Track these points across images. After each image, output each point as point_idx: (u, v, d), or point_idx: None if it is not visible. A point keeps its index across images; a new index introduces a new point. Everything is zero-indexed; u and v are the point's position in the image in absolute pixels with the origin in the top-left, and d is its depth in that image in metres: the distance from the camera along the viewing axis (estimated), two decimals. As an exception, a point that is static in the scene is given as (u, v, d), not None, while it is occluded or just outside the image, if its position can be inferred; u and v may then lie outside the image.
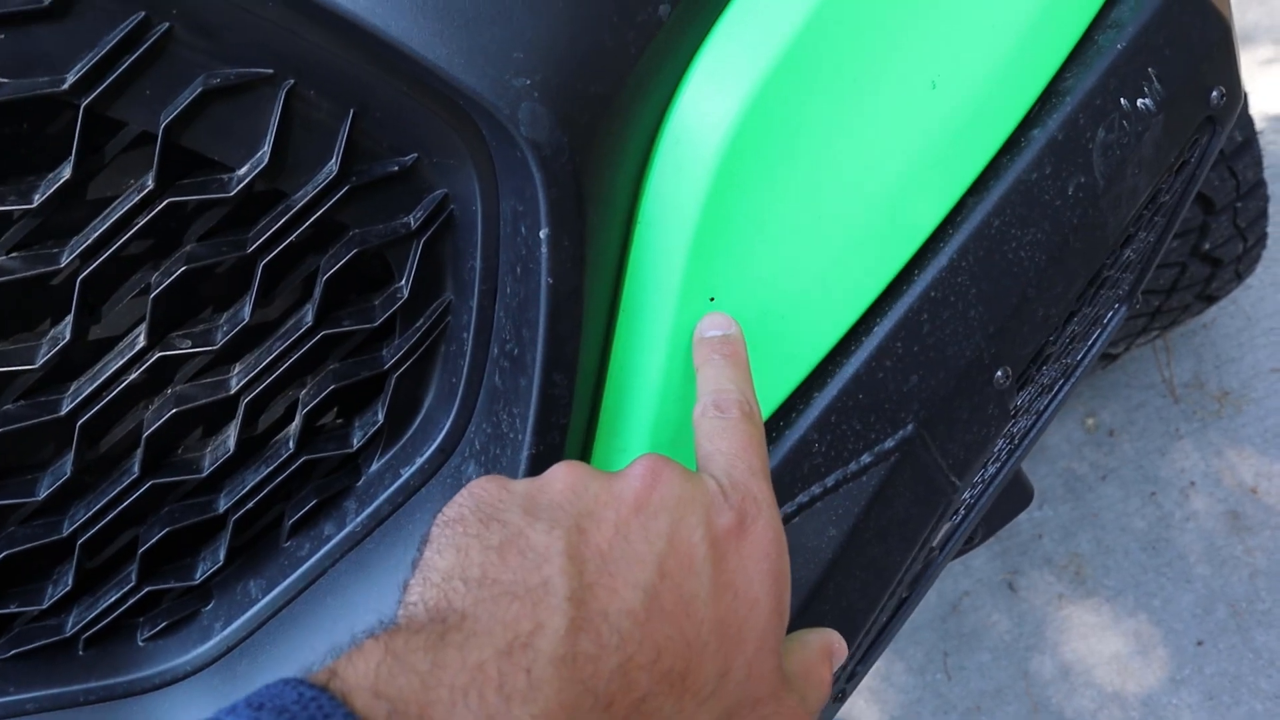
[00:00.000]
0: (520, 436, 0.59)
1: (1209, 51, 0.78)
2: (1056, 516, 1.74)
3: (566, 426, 0.59)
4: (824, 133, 0.63)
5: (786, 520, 0.68)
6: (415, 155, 0.58)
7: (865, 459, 0.69)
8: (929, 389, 0.70)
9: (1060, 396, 0.86)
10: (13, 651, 0.63)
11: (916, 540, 0.73)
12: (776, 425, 0.68)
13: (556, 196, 0.53)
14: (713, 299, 0.62)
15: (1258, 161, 1.35)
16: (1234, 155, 1.30)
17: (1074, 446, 1.77)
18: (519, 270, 0.57)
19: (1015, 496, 0.95)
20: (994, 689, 1.62)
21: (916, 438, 0.70)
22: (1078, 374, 0.87)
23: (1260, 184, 1.37)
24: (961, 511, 0.86)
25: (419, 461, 0.64)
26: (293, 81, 0.54)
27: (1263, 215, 1.42)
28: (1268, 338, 1.73)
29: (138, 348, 0.55)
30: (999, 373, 0.72)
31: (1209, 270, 1.42)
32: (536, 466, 0.59)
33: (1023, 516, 1.82)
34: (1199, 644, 1.55)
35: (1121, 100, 0.74)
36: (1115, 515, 1.70)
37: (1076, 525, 1.72)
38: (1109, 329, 0.88)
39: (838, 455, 0.68)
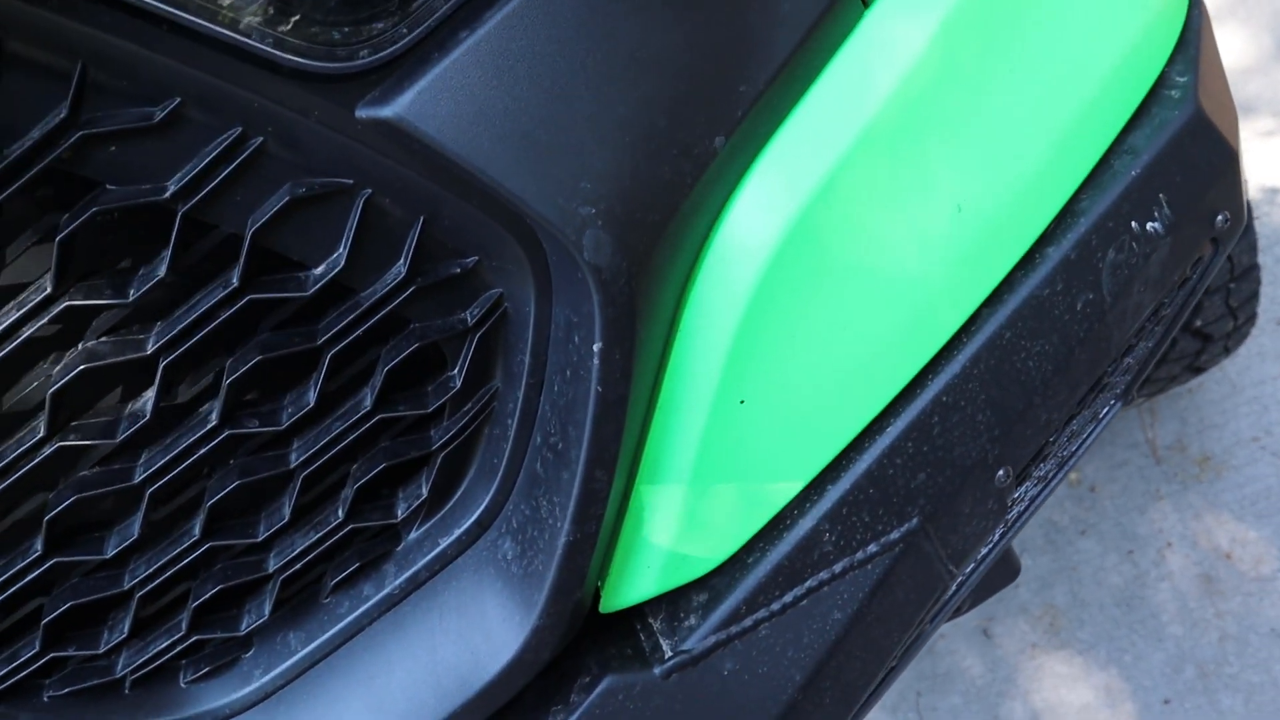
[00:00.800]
0: (559, 524, 0.63)
1: (1216, 178, 0.82)
2: (1035, 567, 1.79)
3: (603, 517, 0.64)
4: (854, 255, 0.67)
5: (795, 603, 0.73)
6: (476, 258, 0.62)
7: (872, 549, 0.74)
8: (935, 486, 0.74)
9: (1053, 486, 0.91)
10: (66, 689, 0.67)
11: (913, 622, 0.78)
12: (791, 514, 0.72)
13: (613, 316, 0.58)
14: (743, 401, 0.67)
15: (1253, 246, 1.40)
16: (1231, 239, 1.35)
17: (1056, 499, 1.83)
18: (568, 374, 0.62)
19: (1002, 572, 1.00)
20: (964, 730, 1.67)
21: (920, 530, 0.75)
22: (1071, 464, 0.92)
23: (1254, 267, 1.43)
24: (954, 588, 0.90)
25: (457, 533, 0.68)
26: (370, 191, 0.58)
27: (1254, 296, 1.47)
28: (1250, 406, 1.79)
29: (209, 425, 0.59)
30: (1000, 472, 0.77)
31: (1199, 345, 1.47)
32: (572, 553, 0.64)
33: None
34: (1166, 702, 1.61)
35: (1133, 223, 0.79)
36: (1092, 570, 1.75)
37: (1054, 577, 1.77)
38: (1104, 423, 0.93)
39: (846, 544, 0.73)
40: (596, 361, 0.59)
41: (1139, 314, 0.81)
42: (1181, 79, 0.84)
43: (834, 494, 0.72)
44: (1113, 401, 0.95)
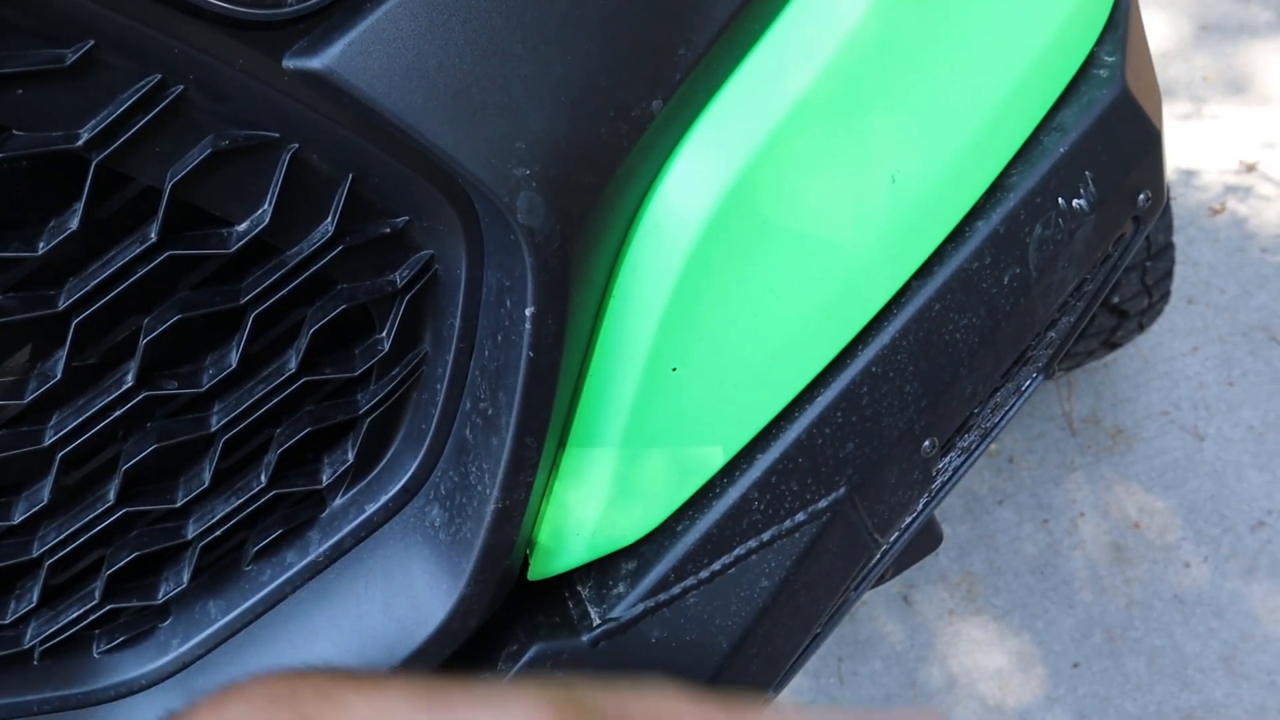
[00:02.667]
0: (488, 491, 0.63)
1: (1140, 158, 0.84)
2: (954, 535, 1.83)
3: (532, 484, 0.63)
4: (789, 223, 0.67)
5: (723, 571, 0.73)
6: (407, 218, 0.60)
7: (800, 517, 0.74)
8: (862, 456, 0.75)
9: (975, 456, 0.93)
10: (-30, 660, 0.64)
11: (839, 590, 0.79)
12: (721, 483, 0.73)
13: (545, 279, 0.57)
14: (675, 369, 0.67)
15: (1169, 225, 1.44)
16: (1148, 219, 1.39)
17: (976, 470, 1.87)
18: (499, 338, 0.61)
19: (925, 540, 1.02)
20: (883, 695, 1.71)
21: (847, 499, 0.75)
22: (994, 435, 0.94)
23: (1169, 246, 1.47)
24: (878, 556, 0.92)
25: (383, 499, 0.67)
26: (297, 145, 0.56)
27: (1168, 274, 1.51)
28: (1161, 381, 1.85)
29: (125, 387, 0.57)
30: (926, 442, 0.78)
31: (1115, 321, 1.51)
32: (501, 520, 0.63)
33: (923, 532, 1.90)
34: (1075, 666, 1.66)
35: (1059, 199, 0.80)
36: (1009, 539, 1.80)
37: (972, 545, 1.81)
38: (1025, 395, 0.95)
39: (775, 513, 0.73)
40: (529, 326, 0.58)
41: (1063, 289, 0.83)
42: (1110, 59, 0.85)
43: (764, 462, 0.72)
44: (1035, 374, 0.97)
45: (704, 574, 0.72)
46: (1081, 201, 0.82)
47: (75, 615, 0.65)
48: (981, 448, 0.95)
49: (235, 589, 0.68)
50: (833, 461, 0.74)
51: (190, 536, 0.64)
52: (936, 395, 0.78)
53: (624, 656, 0.71)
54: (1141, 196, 0.86)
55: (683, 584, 0.72)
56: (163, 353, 0.58)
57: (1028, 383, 0.96)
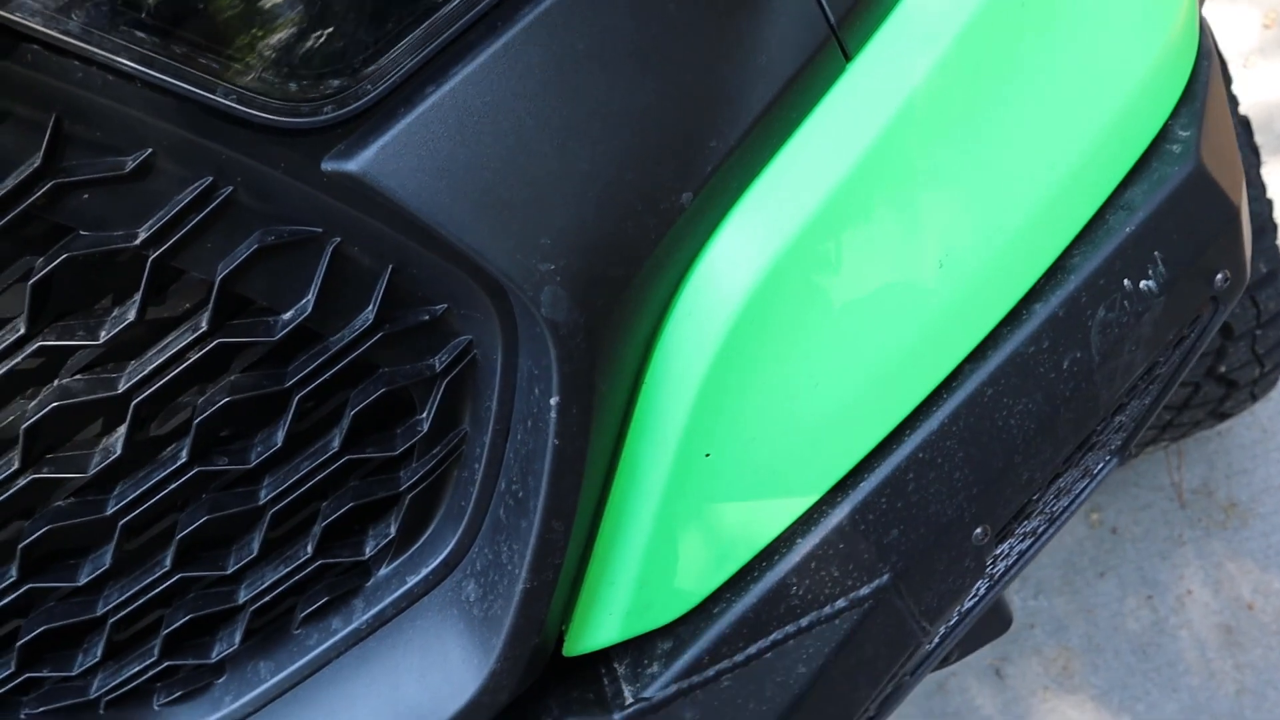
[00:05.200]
0: (517, 571, 0.64)
1: (1216, 236, 0.81)
2: (1051, 608, 1.76)
3: (560, 566, 0.64)
4: (827, 311, 0.67)
5: (759, 655, 0.72)
6: (445, 306, 0.63)
7: (840, 604, 0.73)
8: (908, 543, 0.74)
9: (1043, 541, 0.90)
10: (41, 709, 0.69)
11: (883, 678, 0.78)
12: (759, 566, 0.72)
13: (569, 371, 0.58)
14: (708, 455, 0.67)
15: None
16: (1257, 286, 1.33)
17: (1076, 540, 1.80)
18: (529, 424, 0.62)
19: (993, 623, 0.99)
20: (972, 771, 1.65)
21: (891, 587, 0.74)
22: (1063, 520, 0.91)
23: (1282, 314, 1.39)
24: (937, 639, 0.90)
25: (424, 572, 0.69)
26: (339, 239, 0.59)
27: (1282, 344, 1.44)
28: (1281, 453, 1.74)
29: (180, 462, 0.61)
30: (979, 530, 0.76)
31: (1223, 391, 1.44)
32: (529, 600, 0.64)
33: (1018, 603, 1.85)
34: (1177, 754, 1.57)
35: (1125, 281, 0.78)
36: (1110, 614, 1.72)
37: (1070, 619, 1.74)
38: (1098, 480, 0.91)
39: (814, 599, 0.73)
40: (554, 415, 0.59)
41: (1130, 373, 0.80)
42: (1184, 133, 0.82)
43: (803, 548, 0.72)
44: (1108, 458, 0.94)
45: (739, 657, 0.72)
46: (1150, 283, 0.79)
47: (136, 670, 0.69)
48: (1050, 533, 0.92)
49: (284, 652, 0.71)
50: (876, 548, 0.73)
51: (241, 601, 0.68)
52: (989, 483, 0.76)
53: (656, 737, 0.71)
54: (1219, 276, 0.82)
55: (717, 667, 0.72)
56: (216, 430, 0.62)
57: (1100, 466, 0.93)
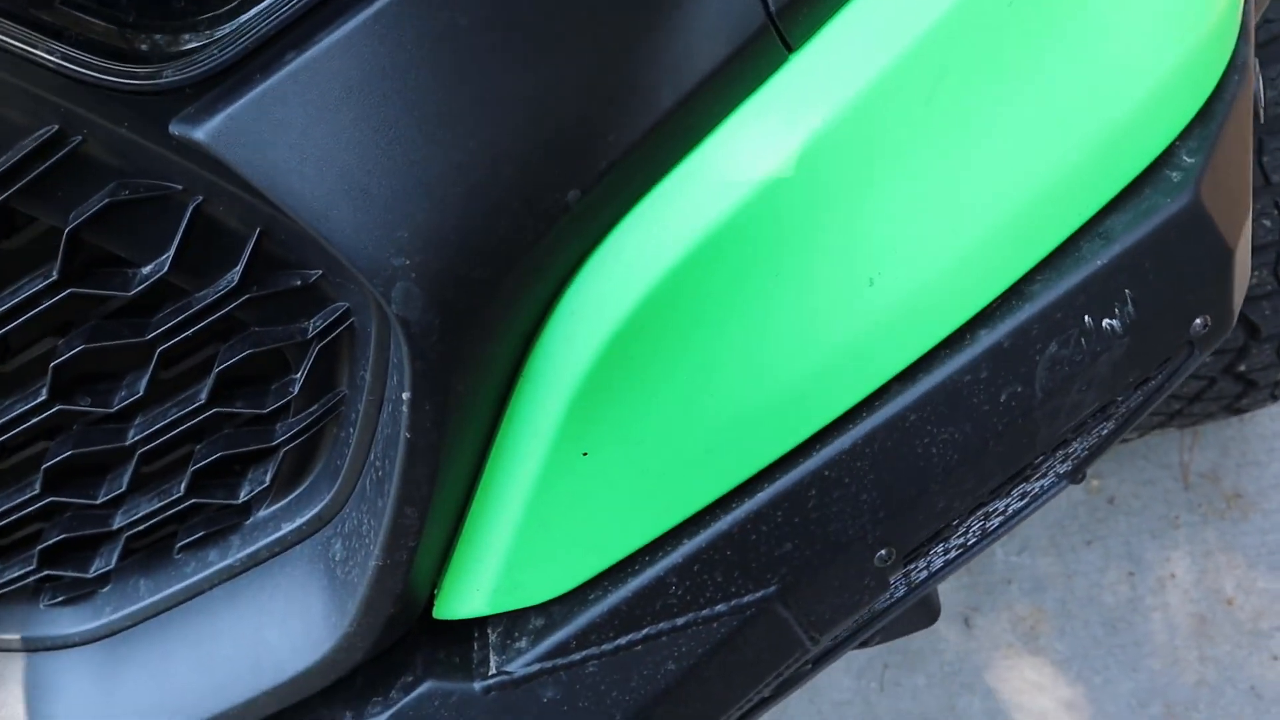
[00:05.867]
0: (372, 546, 0.63)
1: (1200, 280, 0.73)
2: (1032, 567, 1.73)
3: (415, 548, 0.63)
4: (732, 321, 0.63)
5: (629, 647, 0.72)
6: (319, 272, 0.60)
7: (720, 608, 0.71)
8: (801, 558, 0.71)
9: (973, 554, 0.87)
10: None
11: (763, 680, 0.77)
12: (640, 560, 0.70)
13: (421, 369, 0.55)
14: (586, 454, 0.64)
15: (1324, 295, 1.26)
16: (1296, 288, 1.23)
17: (1070, 504, 1.75)
18: (390, 409, 0.60)
19: (918, 615, 0.97)
20: (919, 712, 1.67)
21: (777, 597, 0.72)
22: (997, 535, 0.87)
23: (1321, 318, 1.29)
24: (821, 648, 0.87)
25: (298, 522, 0.69)
26: (201, 198, 0.56)
27: (1317, 347, 1.34)
28: (1305, 449, 1.66)
29: (39, 399, 0.60)
30: (883, 551, 0.73)
31: (1241, 389, 1.36)
32: (381, 575, 0.64)
33: (1000, 556, 1.83)
34: (1124, 733, 1.56)
35: (1085, 318, 0.71)
36: (1088, 583, 1.69)
37: (1049, 581, 1.72)
38: (1043, 499, 0.87)
39: (694, 600, 0.71)
40: (405, 410, 0.57)
41: (1077, 412, 0.74)
42: (1189, 159, 0.73)
43: (686, 549, 0.69)
44: (1057, 480, 0.89)
45: (608, 646, 0.71)
46: (1114, 322, 0.72)
47: (17, 574, 0.70)
48: (979, 547, 0.89)
49: (163, 574, 0.72)
50: (766, 559, 0.71)
51: (116, 526, 0.68)
52: (899, 507, 0.72)
53: (513, 710, 0.71)
54: (1198, 322, 0.75)
55: (585, 651, 0.71)
56: (75, 371, 0.61)
57: (1049, 486, 0.88)
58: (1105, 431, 0.82)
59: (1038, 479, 0.84)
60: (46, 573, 0.71)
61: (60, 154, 0.52)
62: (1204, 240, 0.73)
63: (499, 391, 0.61)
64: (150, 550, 0.72)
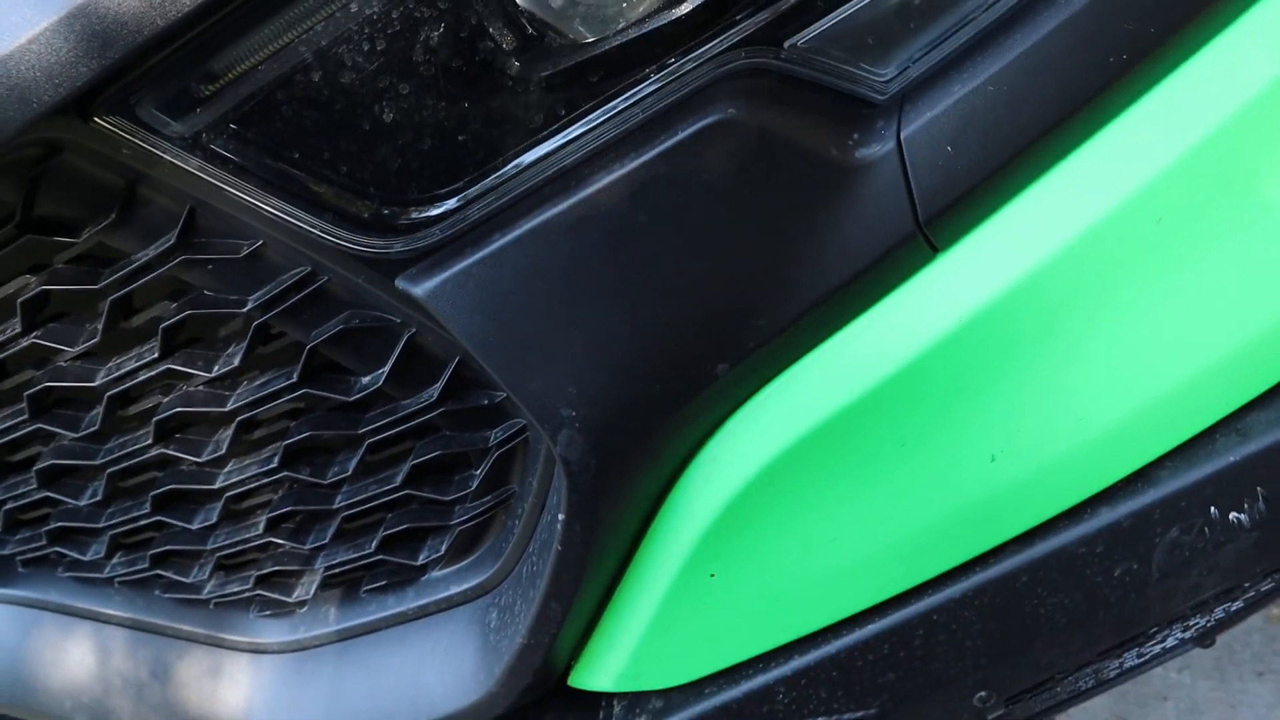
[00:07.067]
0: (520, 625, 0.74)
1: (1346, 483, 0.73)
2: (1192, 688, 1.68)
3: (556, 635, 0.73)
4: (856, 484, 0.69)
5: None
6: (505, 394, 0.70)
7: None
8: (903, 689, 0.77)
9: (1088, 695, 0.89)
10: (170, 595, 0.87)
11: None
12: (755, 666, 0.78)
13: (575, 499, 0.65)
14: (713, 575, 0.72)
15: None
16: None
17: (1246, 629, 1.69)
18: (549, 519, 0.70)
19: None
20: (1044, 806, 1.66)
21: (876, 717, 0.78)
22: (1114, 683, 0.89)
23: None
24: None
25: (464, 586, 0.80)
26: (414, 330, 0.67)
27: None
28: None
29: (269, 466, 0.74)
30: (982, 693, 0.78)
31: None
32: (524, 652, 0.74)
33: (1160, 671, 1.78)
34: None
35: (1212, 509, 0.73)
36: (1253, 716, 1.64)
37: (1208, 707, 1.66)
38: (1166, 659, 0.88)
39: (798, 711, 0.78)
40: (559, 527, 0.67)
41: (1197, 593, 0.76)
42: (1350, 363, 0.74)
43: (795, 665, 0.76)
44: (1181, 637, 0.90)
45: (716, 737, 0.79)
46: (1241, 516, 0.74)
47: (236, 590, 0.85)
48: (1094, 691, 0.91)
49: (350, 608, 0.85)
50: (868, 684, 0.77)
51: (318, 566, 0.82)
52: (1002, 657, 0.76)
53: (625, 777, 0.81)
54: (1339, 522, 0.75)
55: (694, 737, 0.79)
56: (303, 447, 0.74)
57: (1172, 648, 0.89)
58: (1234, 609, 0.83)
59: (1157, 643, 0.86)
60: (259, 592, 0.85)
61: (310, 289, 0.65)
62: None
63: (643, 516, 0.70)
64: (342, 590, 0.86)
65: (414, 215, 0.61)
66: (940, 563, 0.74)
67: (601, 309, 0.62)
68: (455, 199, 0.60)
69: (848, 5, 0.62)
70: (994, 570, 0.74)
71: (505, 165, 0.61)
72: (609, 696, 0.84)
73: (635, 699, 0.82)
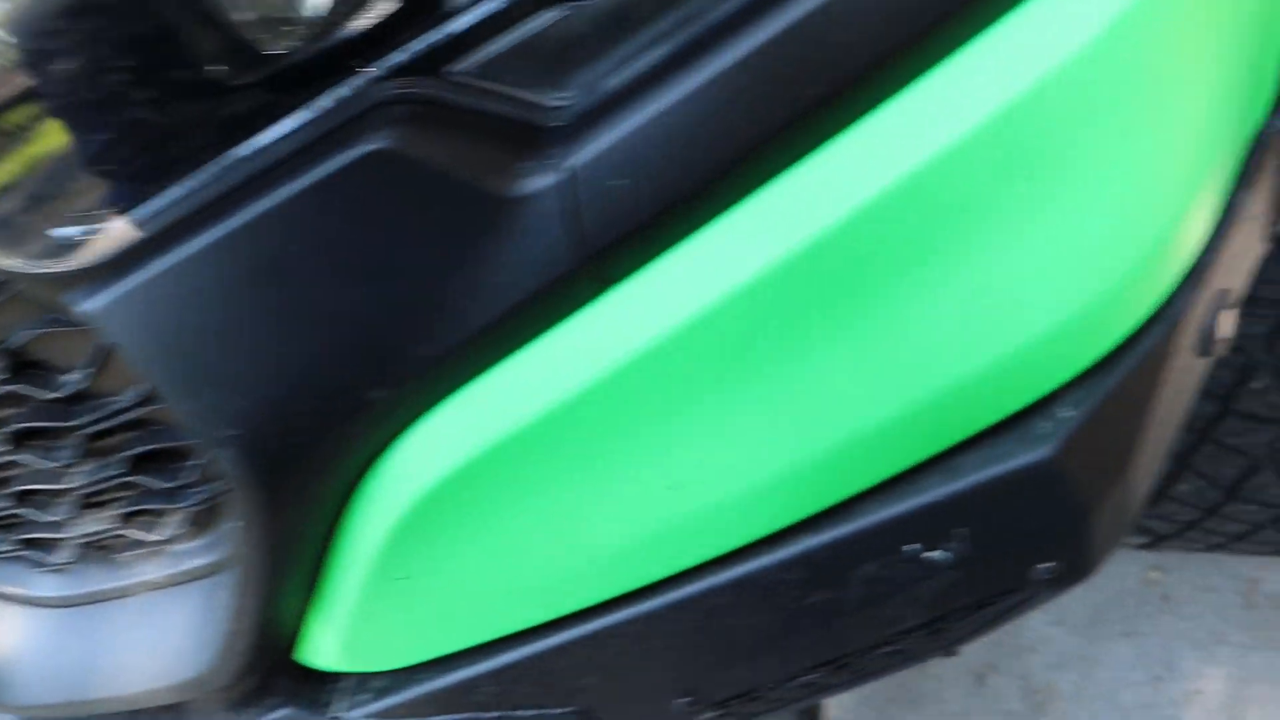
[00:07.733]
0: (233, 606, 0.77)
1: (1048, 532, 0.73)
2: (1061, 641, 1.71)
3: (260, 619, 0.77)
4: (524, 508, 0.71)
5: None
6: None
7: (529, 713, 0.82)
8: (603, 690, 0.80)
9: (820, 697, 0.91)
10: None
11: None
12: (460, 659, 0.81)
13: (245, 508, 0.68)
14: (405, 577, 0.75)
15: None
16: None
17: (1122, 589, 1.71)
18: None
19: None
20: (903, 760, 1.71)
21: (580, 716, 0.82)
22: (853, 684, 0.91)
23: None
24: None
25: (202, 562, 0.84)
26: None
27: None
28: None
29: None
30: (681, 698, 0.81)
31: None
32: (235, 635, 0.78)
33: (1035, 623, 1.82)
34: (1091, 838, 1.57)
35: (905, 547, 0.74)
36: (1111, 676, 1.67)
37: (1072, 662, 1.70)
38: (909, 664, 0.89)
39: (503, 703, 0.82)
40: (239, 534, 0.70)
41: (898, 623, 0.78)
42: (1065, 414, 0.73)
43: (495, 662, 0.80)
44: (928, 650, 0.91)
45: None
46: (943, 554, 0.74)
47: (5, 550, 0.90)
48: (838, 687, 0.93)
49: (111, 570, 0.89)
50: (570, 685, 0.80)
51: (64, 536, 0.86)
52: (702, 670, 0.79)
53: (349, 750, 0.85)
54: (1043, 567, 0.75)
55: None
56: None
57: (912, 653, 0.91)
58: (948, 636, 0.84)
59: (886, 651, 0.88)
60: (22, 553, 0.90)
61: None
62: (1058, 498, 0.73)
63: (330, 519, 0.72)
64: (105, 553, 0.90)
65: (74, 235, 0.62)
66: (625, 583, 0.76)
67: (260, 333, 0.64)
68: (121, 219, 0.61)
69: (511, 32, 0.61)
70: (687, 589, 0.76)
71: (165, 189, 0.61)
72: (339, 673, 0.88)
73: (365, 677, 0.86)
